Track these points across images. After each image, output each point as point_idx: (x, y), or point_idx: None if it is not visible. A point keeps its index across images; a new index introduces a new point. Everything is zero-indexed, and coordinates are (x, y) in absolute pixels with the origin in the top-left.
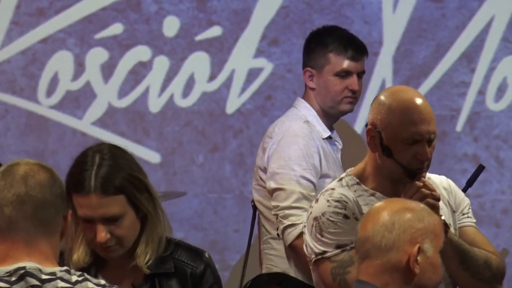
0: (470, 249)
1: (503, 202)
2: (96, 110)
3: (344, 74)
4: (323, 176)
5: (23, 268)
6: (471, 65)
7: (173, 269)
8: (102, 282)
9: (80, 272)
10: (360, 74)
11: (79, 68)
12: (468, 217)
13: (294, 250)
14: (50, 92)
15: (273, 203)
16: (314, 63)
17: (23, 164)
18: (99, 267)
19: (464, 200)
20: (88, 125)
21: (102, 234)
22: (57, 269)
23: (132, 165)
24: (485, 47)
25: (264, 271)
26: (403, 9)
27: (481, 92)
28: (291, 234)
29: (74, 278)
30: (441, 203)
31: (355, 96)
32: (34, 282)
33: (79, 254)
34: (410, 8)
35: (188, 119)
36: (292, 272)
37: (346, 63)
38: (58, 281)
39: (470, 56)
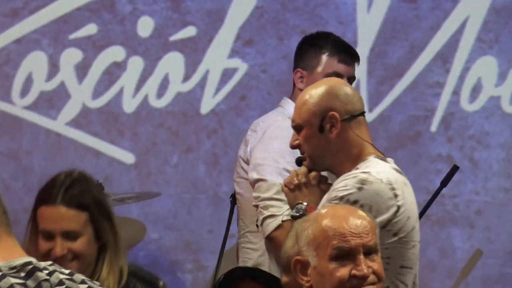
0: None
1: (477, 202)
2: (70, 110)
3: (334, 76)
4: None
5: (30, 263)
6: (445, 65)
7: None
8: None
9: (50, 262)
10: (350, 79)
11: (53, 68)
12: None
13: (271, 241)
14: (24, 92)
15: (254, 194)
16: (306, 64)
17: None
18: None
19: None
20: (62, 126)
21: (59, 248)
22: (43, 263)
23: (100, 192)
24: (459, 47)
25: (240, 264)
26: (377, 10)
27: (456, 93)
28: (270, 225)
29: (64, 270)
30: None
31: None
32: (44, 276)
33: None
34: (384, 9)
35: (162, 120)
36: (266, 265)
37: (337, 66)
38: (57, 272)
39: (445, 57)
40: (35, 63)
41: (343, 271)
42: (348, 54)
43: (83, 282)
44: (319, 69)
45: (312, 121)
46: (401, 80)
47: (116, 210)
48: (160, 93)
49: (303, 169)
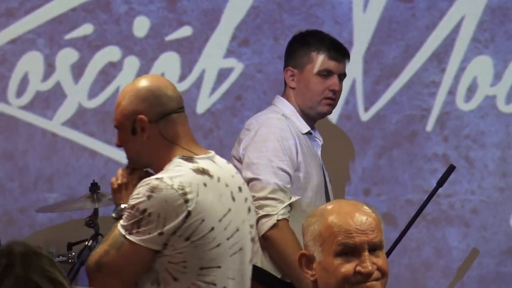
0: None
1: (472, 202)
2: (66, 110)
3: (325, 73)
4: (296, 169)
5: None
6: (441, 65)
7: None
8: None
9: None
10: (341, 76)
11: (49, 68)
12: None
13: (267, 240)
14: (20, 92)
15: None
16: (296, 62)
17: None
18: None
19: None
20: (58, 126)
21: None
22: None
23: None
24: (455, 47)
25: None
26: (373, 9)
27: (451, 92)
28: (266, 224)
29: None
30: None
31: (335, 98)
32: None
33: None
34: (380, 8)
35: None
36: (259, 261)
37: (328, 62)
38: None
39: (440, 56)
40: (31, 63)
41: (348, 267)
42: (338, 51)
43: None
44: (310, 67)
45: (125, 124)
46: (397, 79)
47: (112, 210)
48: None
49: (126, 169)
